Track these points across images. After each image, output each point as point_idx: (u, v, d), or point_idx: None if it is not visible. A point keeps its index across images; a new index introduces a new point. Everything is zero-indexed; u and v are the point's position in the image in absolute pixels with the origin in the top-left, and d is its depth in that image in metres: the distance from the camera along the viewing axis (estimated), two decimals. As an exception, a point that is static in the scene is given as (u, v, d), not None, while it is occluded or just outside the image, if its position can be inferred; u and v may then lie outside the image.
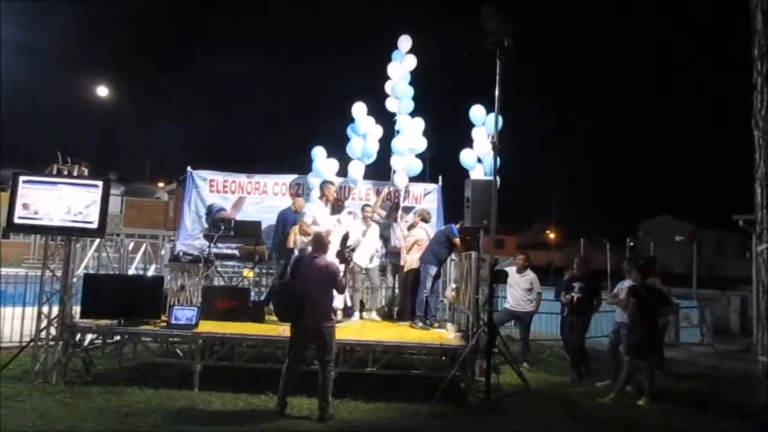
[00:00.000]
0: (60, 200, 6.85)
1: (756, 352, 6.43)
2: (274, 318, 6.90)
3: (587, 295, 8.31)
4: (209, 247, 8.69)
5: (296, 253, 7.97)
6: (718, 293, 17.09)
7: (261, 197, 9.98)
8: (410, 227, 9.10)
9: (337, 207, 8.76)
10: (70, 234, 7.01)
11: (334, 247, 7.17)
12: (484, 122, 9.25)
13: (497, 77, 6.81)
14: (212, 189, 9.98)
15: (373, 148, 9.45)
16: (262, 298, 9.31)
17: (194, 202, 9.95)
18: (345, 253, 6.50)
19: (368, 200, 9.75)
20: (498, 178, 7.27)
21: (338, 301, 7.84)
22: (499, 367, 7.26)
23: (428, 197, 10.10)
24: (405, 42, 9.79)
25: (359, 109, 9.52)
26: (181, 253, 9.15)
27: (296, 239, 8.40)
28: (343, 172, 9.59)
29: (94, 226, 6.93)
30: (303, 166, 9.78)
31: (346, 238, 7.53)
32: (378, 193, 9.92)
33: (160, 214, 32.04)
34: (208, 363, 6.83)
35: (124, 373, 7.36)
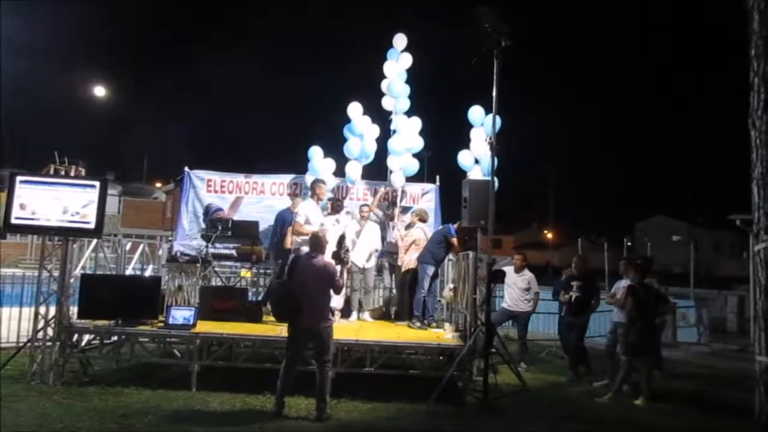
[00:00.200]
0: (57, 200, 6.83)
1: (753, 352, 6.44)
2: (272, 318, 6.91)
3: (585, 294, 8.33)
4: (207, 247, 8.68)
5: (291, 253, 7.98)
6: (715, 293, 17.12)
7: (258, 197, 9.97)
8: (407, 227, 9.11)
9: (336, 207, 8.76)
10: (67, 234, 6.99)
11: (330, 247, 7.16)
12: (482, 123, 9.26)
13: (494, 77, 6.81)
14: (210, 189, 9.96)
15: (371, 148, 9.45)
16: (260, 298, 9.32)
17: (192, 202, 9.93)
18: (341, 254, 6.49)
19: (365, 200, 9.75)
20: (496, 179, 7.27)
21: (336, 301, 7.84)
22: (497, 366, 7.27)
23: (426, 197, 10.10)
24: (400, 40, 9.80)
25: (355, 109, 9.53)
26: (178, 254, 9.14)
27: (291, 239, 8.39)
28: (340, 172, 9.59)
29: (91, 226, 6.91)
30: (301, 166, 9.79)
31: (342, 238, 7.51)
32: (375, 193, 9.92)
33: (157, 215, 32.05)
34: (205, 363, 6.82)
35: (122, 374, 7.35)
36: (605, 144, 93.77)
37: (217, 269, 9.78)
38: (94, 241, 8.38)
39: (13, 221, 6.80)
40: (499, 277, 7.23)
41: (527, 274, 9.28)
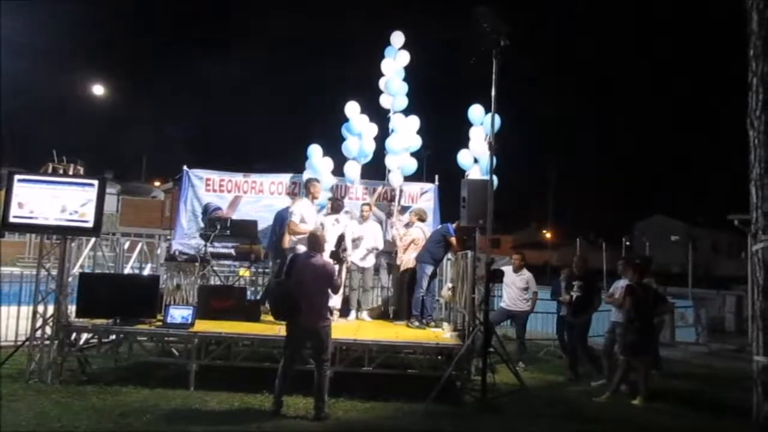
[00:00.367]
0: (55, 199, 6.82)
1: (751, 352, 6.45)
2: (271, 317, 6.91)
3: (586, 294, 8.32)
4: (205, 246, 8.67)
5: (287, 252, 7.99)
6: (713, 293, 17.15)
7: (257, 196, 9.95)
8: (406, 225, 9.11)
9: (336, 207, 8.76)
10: (66, 233, 6.99)
11: (329, 246, 7.16)
12: (482, 122, 9.25)
13: (493, 77, 6.81)
14: (208, 188, 9.95)
15: (369, 147, 9.44)
16: (259, 297, 9.32)
17: (190, 201, 9.92)
18: (340, 253, 6.50)
19: (364, 200, 9.74)
20: (495, 178, 7.27)
21: (335, 300, 7.85)
22: (495, 366, 7.27)
23: (425, 197, 10.09)
24: (398, 38, 9.77)
25: (352, 108, 9.51)
26: (177, 253, 9.13)
27: (287, 238, 8.39)
28: (338, 171, 9.57)
29: (90, 225, 6.90)
30: (300, 165, 9.77)
31: (341, 238, 7.53)
32: (373, 192, 9.91)
33: (155, 213, 32.06)
34: (204, 362, 6.83)
35: (120, 373, 7.35)
36: (605, 144, 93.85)
37: (215, 268, 9.79)
38: (93, 239, 8.38)
39: (12, 220, 6.79)
40: (497, 276, 7.24)
41: (526, 274, 9.28)
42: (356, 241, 8.65)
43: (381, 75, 9.88)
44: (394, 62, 9.75)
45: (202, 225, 9.47)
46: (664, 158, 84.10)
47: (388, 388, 6.60)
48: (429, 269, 8.29)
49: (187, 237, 9.68)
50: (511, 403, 6.71)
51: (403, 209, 9.64)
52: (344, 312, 8.56)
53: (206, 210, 9.81)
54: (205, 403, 6.19)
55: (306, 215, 8.29)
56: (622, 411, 6.86)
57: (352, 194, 9.92)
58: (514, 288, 9.18)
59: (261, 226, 9.33)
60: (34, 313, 6.95)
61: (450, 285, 8.78)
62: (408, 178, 9.83)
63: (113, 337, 7.38)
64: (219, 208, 9.83)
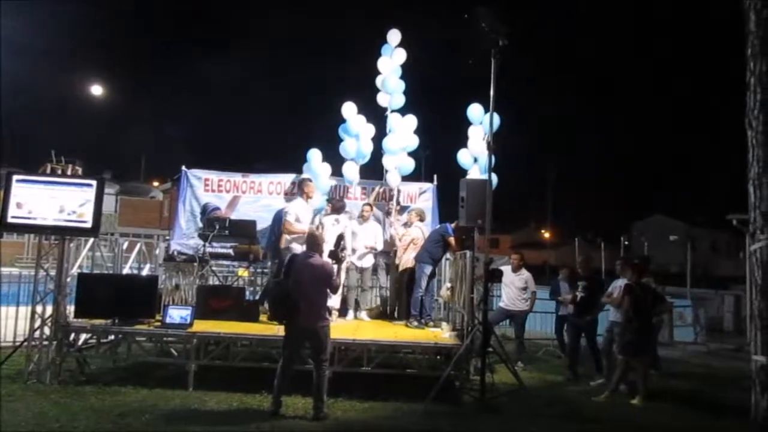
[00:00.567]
0: (54, 199, 6.82)
1: (749, 351, 6.46)
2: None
3: (591, 294, 8.30)
4: (204, 246, 8.67)
5: (283, 251, 7.98)
6: (711, 292, 17.15)
7: (256, 196, 9.94)
8: (405, 225, 9.10)
9: (337, 207, 8.76)
10: (64, 233, 6.98)
11: (328, 246, 7.16)
12: (481, 121, 9.24)
13: (492, 76, 6.82)
14: (207, 188, 9.94)
15: (367, 148, 9.43)
16: (257, 297, 9.32)
17: (189, 201, 9.90)
18: (338, 253, 6.50)
19: (363, 200, 9.73)
20: (495, 176, 7.27)
21: (334, 300, 7.85)
22: (494, 366, 7.27)
23: (423, 196, 10.08)
24: (394, 36, 9.73)
25: (349, 109, 9.49)
26: (175, 253, 9.13)
27: (284, 238, 8.40)
28: (337, 171, 9.55)
29: (88, 225, 6.90)
30: (299, 165, 9.76)
31: (340, 237, 7.53)
32: (372, 192, 9.89)
33: (154, 213, 32.04)
34: (202, 362, 6.82)
35: (119, 373, 7.34)
36: (604, 143, 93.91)
37: (214, 268, 9.78)
38: (91, 240, 8.38)
39: (10, 220, 6.79)
40: (496, 276, 7.24)
41: (524, 274, 9.29)
42: (355, 241, 8.65)
43: (378, 73, 9.86)
44: (391, 60, 9.72)
45: (200, 225, 9.46)
46: (663, 158, 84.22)
47: (387, 388, 6.60)
48: (428, 269, 8.29)
49: (186, 237, 9.67)
50: (509, 403, 6.72)
51: (402, 209, 9.63)
52: (342, 312, 8.56)
53: (205, 210, 9.80)
54: (204, 403, 6.19)
55: (301, 215, 8.29)
56: (621, 411, 6.87)
57: (350, 194, 9.92)
58: (513, 288, 9.19)
59: (260, 227, 9.32)
60: (33, 313, 6.94)
61: (449, 285, 8.78)
62: (406, 178, 9.82)
63: (112, 337, 7.38)
64: (217, 208, 9.82)
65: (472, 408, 6.53)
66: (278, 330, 6.38)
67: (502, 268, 9.35)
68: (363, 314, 8.73)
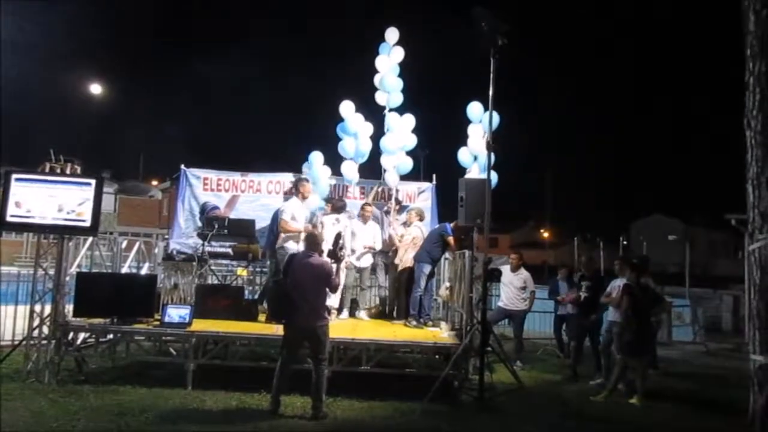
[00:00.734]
0: (52, 198, 6.81)
1: (747, 351, 6.47)
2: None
3: (595, 294, 8.29)
4: (203, 245, 8.66)
5: (277, 249, 7.97)
6: (710, 292, 17.18)
7: (255, 196, 9.93)
8: (404, 224, 9.09)
9: (337, 207, 8.75)
10: (63, 232, 6.97)
11: (327, 245, 7.16)
12: (481, 119, 9.21)
13: (491, 76, 6.82)
14: (206, 187, 9.93)
15: (366, 147, 9.42)
16: (256, 296, 9.31)
17: (188, 201, 9.89)
18: (337, 252, 6.49)
19: (362, 199, 9.72)
20: (495, 175, 7.27)
21: (333, 300, 7.84)
22: (493, 365, 7.28)
23: (422, 196, 10.07)
24: (392, 33, 9.68)
25: (347, 107, 9.46)
26: (174, 252, 9.12)
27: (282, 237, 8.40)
28: (335, 170, 9.54)
29: (87, 224, 6.90)
30: (297, 165, 9.75)
31: (339, 237, 7.53)
32: (370, 191, 9.88)
33: (153, 213, 32.03)
34: (201, 362, 6.82)
35: (117, 372, 7.34)
36: (603, 143, 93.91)
37: (213, 268, 9.77)
38: (90, 239, 8.37)
39: (9, 219, 6.78)
40: (495, 275, 7.25)
41: (523, 273, 9.29)
42: (354, 241, 8.65)
43: (375, 71, 9.82)
44: (389, 59, 9.68)
45: (199, 224, 9.46)
46: (662, 158, 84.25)
47: (386, 388, 6.60)
48: (427, 268, 8.28)
49: (185, 236, 9.66)
50: (508, 402, 6.73)
51: (402, 208, 9.62)
52: (338, 310, 8.55)
53: (204, 209, 9.79)
54: (203, 403, 6.18)
55: (297, 214, 8.29)
56: (620, 410, 6.87)
57: (349, 194, 9.91)
58: (512, 287, 9.19)
59: (258, 226, 9.32)
60: (31, 312, 6.94)
61: (448, 284, 8.78)
62: (405, 177, 9.81)
63: (111, 336, 7.37)
64: (216, 208, 9.81)
65: (471, 407, 6.53)
66: (277, 329, 6.37)
67: (501, 267, 9.38)
68: (362, 313, 8.73)
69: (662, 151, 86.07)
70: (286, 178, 9.83)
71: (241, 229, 9.00)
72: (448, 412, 6.26)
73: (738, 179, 6.53)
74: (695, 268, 21.22)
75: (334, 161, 9.50)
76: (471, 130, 9.38)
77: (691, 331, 13.35)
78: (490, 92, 6.91)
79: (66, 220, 6.84)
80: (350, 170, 9.41)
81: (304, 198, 8.61)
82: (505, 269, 9.30)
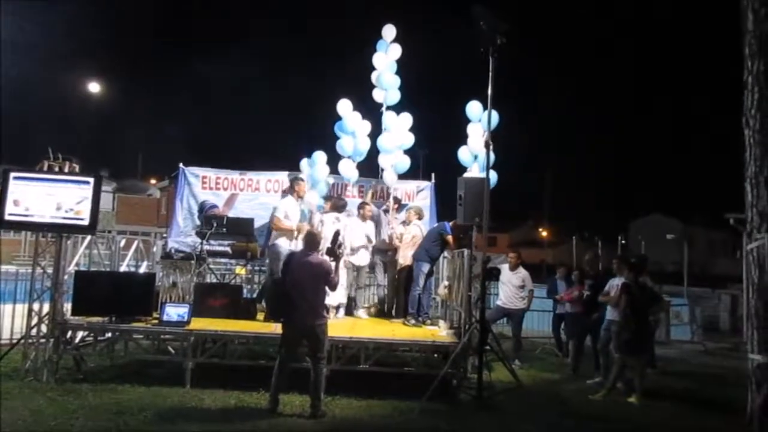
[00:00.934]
0: (51, 197, 6.81)
1: (745, 350, 6.48)
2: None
3: (596, 293, 8.27)
4: (201, 244, 8.66)
5: (269, 247, 7.99)
6: (708, 291, 17.20)
7: (253, 194, 9.93)
8: (403, 223, 9.09)
9: (338, 206, 8.74)
10: (61, 231, 6.97)
11: (326, 244, 7.15)
12: (480, 118, 9.20)
13: (490, 75, 6.82)
14: (205, 186, 9.93)
15: (364, 146, 9.41)
16: (255, 295, 9.31)
17: (186, 199, 9.89)
18: (335, 250, 6.49)
19: (360, 198, 9.71)
20: (495, 174, 7.27)
21: (332, 298, 7.84)
22: (491, 364, 7.28)
23: (421, 194, 10.08)
24: (389, 31, 9.64)
25: (345, 105, 9.44)
26: (173, 250, 9.11)
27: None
28: (333, 169, 9.52)
29: (86, 222, 6.89)
30: (296, 163, 9.73)
31: (337, 234, 7.52)
32: (369, 189, 9.87)
33: (151, 211, 31.98)
34: (199, 360, 6.82)
35: (116, 371, 7.33)
36: (602, 142, 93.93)
37: (211, 266, 9.76)
38: (88, 237, 8.36)
39: (7, 217, 6.77)
40: (493, 274, 7.25)
41: (522, 272, 9.30)
42: (351, 239, 8.64)
43: (373, 69, 9.78)
44: (386, 56, 9.65)
45: (198, 223, 9.46)
46: (660, 157, 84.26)
47: (384, 386, 6.60)
48: (425, 267, 8.29)
49: (183, 235, 9.67)
50: (507, 401, 6.73)
51: (401, 207, 9.61)
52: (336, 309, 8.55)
53: (202, 208, 9.79)
54: (201, 401, 6.19)
55: (290, 212, 8.29)
56: (618, 409, 6.88)
57: (348, 192, 9.90)
58: (510, 286, 9.20)
59: (257, 224, 9.33)
60: (30, 311, 6.93)
61: (446, 283, 8.78)
62: (403, 176, 9.80)
63: (109, 335, 7.36)
64: (215, 206, 9.81)
65: (469, 406, 6.53)
66: (275, 328, 6.37)
67: (500, 266, 9.37)
68: (360, 312, 8.73)
69: (661, 150, 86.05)
70: (285, 177, 9.82)
71: (240, 228, 9.00)
72: (447, 411, 6.27)
73: (737, 179, 6.55)
74: (694, 267, 21.25)
75: (332, 160, 9.49)
76: (471, 129, 9.37)
77: (689, 330, 13.36)
78: (489, 91, 6.91)
79: (64, 218, 6.83)
80: (348, 169, 9.40)
81: (299, 197, 8.62)
82: (504, 268, 9.30)
